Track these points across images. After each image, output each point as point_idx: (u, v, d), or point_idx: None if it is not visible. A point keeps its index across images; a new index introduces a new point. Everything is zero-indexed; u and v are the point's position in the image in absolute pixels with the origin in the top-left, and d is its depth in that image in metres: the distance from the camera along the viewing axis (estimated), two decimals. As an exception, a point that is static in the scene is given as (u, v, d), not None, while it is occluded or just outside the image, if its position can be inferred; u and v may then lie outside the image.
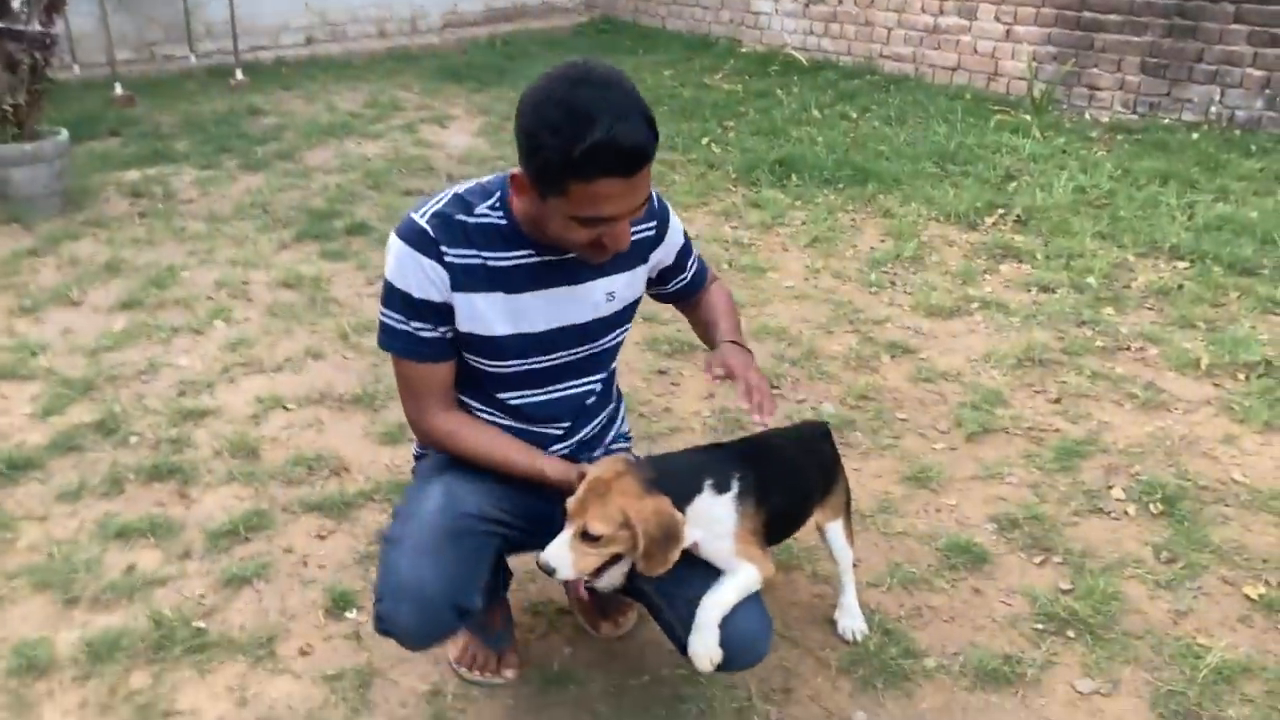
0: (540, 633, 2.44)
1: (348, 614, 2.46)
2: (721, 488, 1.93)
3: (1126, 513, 2.88)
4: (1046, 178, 5.50)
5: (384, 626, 1.92)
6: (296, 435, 3.23)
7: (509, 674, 2.29)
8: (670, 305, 2.34)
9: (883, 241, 4.86)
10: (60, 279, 4.37)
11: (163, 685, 2.25)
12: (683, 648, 1.94)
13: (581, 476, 1.87)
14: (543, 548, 1.85)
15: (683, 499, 1.87)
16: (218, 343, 3.84)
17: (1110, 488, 2.98)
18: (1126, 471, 3.05)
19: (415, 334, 1.93)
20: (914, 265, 4.58)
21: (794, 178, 5.70)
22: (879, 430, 3.27)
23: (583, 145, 1.67)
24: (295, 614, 2.47)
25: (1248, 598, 2.56)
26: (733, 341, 2.12)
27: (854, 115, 6.86)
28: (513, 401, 2.05)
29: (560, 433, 2.12)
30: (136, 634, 2.38)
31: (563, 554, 1.82)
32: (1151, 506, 2.89)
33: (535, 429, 2.08)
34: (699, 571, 1.94)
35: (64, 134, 5.19)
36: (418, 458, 2.22)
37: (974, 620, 2.49)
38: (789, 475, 2.13)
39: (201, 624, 2.42)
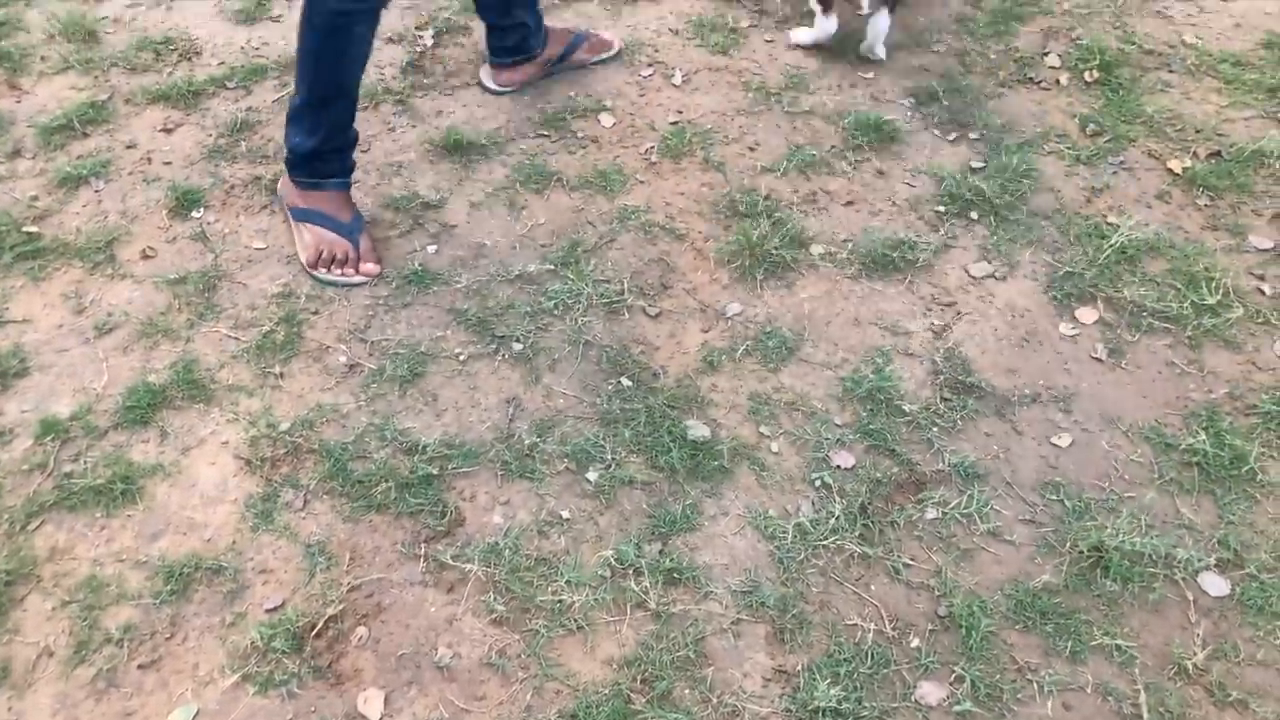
0: (403, 229, 2.25)
1: (193, 214, 2.26)
2: None
3: (1058, 82, 2.61)
4: None
5: None
6: (143, 15, 2.85)
7: (369, 269, 2.13)
8: None
9: None
10: None
11: (-7, 294, 2.10)
12: None
13: None
14: None
15: None
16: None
17: (1045, 54, 2.69)
18: (1066, 36, 2.74)
19: None
20: None
21: None
22: (801, -9, 2.90)
23: None
24: (137, 215, 2.27)
25: (1171, 171, 2.37)
26: None
27: None
28: None
29: None
30: (-38, 241, 2.19)
31: None
32: (1087, 74, 2.62)
33: None
34: None
35: None
36: None
37: (872, 204, 2.31)
38: None
39: (34, 228, 2.23)
